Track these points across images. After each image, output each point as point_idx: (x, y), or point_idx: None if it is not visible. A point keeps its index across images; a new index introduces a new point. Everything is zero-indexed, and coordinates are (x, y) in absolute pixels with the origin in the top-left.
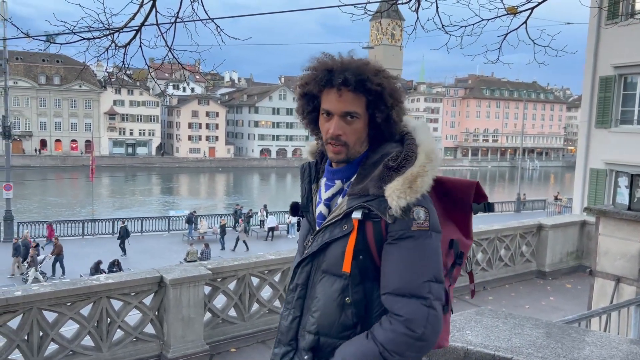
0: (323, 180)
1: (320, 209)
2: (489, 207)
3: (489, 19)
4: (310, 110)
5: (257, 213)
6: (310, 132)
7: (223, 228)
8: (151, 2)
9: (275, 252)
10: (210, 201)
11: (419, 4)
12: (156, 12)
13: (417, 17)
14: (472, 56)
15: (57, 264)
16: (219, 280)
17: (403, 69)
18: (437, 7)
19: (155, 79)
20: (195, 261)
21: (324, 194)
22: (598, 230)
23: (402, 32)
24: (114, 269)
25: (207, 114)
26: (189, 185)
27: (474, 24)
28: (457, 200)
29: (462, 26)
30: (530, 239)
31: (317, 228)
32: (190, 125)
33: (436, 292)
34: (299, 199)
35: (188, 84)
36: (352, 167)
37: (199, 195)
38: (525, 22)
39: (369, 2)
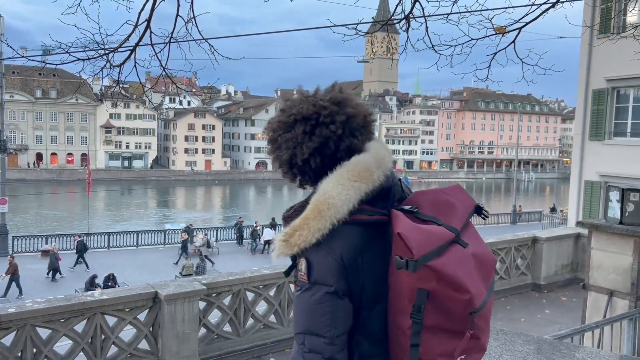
0: None
1: None
2: (409, 265)
3: (478, 39)
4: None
5: (254, 226)
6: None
7: (184, 243)
8: (146, 23)
9: (270, 266)
10: (207, 214)
11: (408, 24)
12: (150, 32)
13: (408, 37)
14: (461, 75)
15: (13, 284)
16: (213, 295)
17: (399, 81)
18: (426, 27)
19: (150, 97)
20: (191, 275)
21: None
22: (591, 244)
23: (397, 46)
24: (109, 283)
25: (204, 127)
26: (185, 199)
27: (463, 44)
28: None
29: (451, 45)
30: (525, 252)
31: None
32: (186, 138)
33: (310, 345)
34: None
35: (184, 97)
36: None
37: (195, 208)
38: (513, 41)
39: (360, 23)
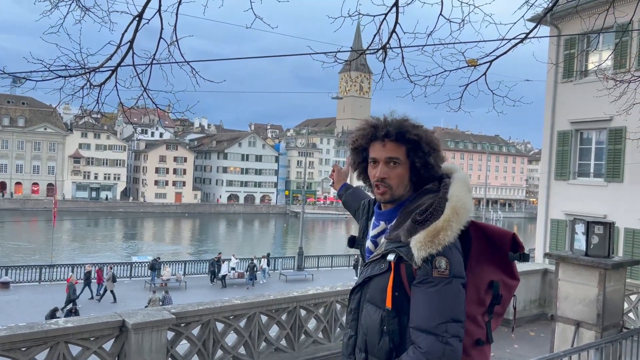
0: (372, 220)
1: (368, 244)
2: (524, 257)
3: (451, 70)
4: (360, 161)
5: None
6: (363, 181)
7: (113, 277)
8: (129, 44)
9: (242, 297)
10: (175, 247)
11: (385, 54)
12: (133, 53)
13: (384, 67)
14: (435, 104)
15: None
16: (182, 325)
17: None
18: (402, 58)
19: (129, 119)
20: None
21: (371, 232)
22: (558, 275)
23: (370, 85)
24: (71, 315)
25: (175, 159)
26: (153, 231)
27: (437, 74)
28: (496, 246)
29: (425, 76)
30: None
31: (366, 261)
32: (157, 170)
33: (452, 331)
34: (267, 246)
35: (157, 128)
36: (394, 212)
37: (163, 241)
38: (484, 73)
39: (339, 52)
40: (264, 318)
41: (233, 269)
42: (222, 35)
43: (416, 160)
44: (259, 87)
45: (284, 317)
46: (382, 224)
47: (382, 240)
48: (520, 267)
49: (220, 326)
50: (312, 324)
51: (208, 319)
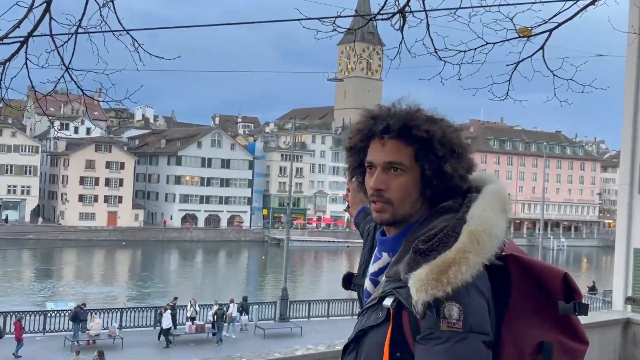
0: (375, 250)
1: (367, 284)
2: (580, 308)
3: (495, 43)
4: (357, 165)
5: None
6: (364, 194)
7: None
8: (44, 5)
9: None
10: (108, 289)
11: (404, 21)
12: (50, 18)
13: (402, 38)
14: (473, 90)
15: None
16: None
17: None
18: (427, 26)
19: (43, 109)
20: None
21: (371, 267)
22: None
23: (381, 61)
24: None
25: (108, 164)
26: (77, 266)
27: (475, 49)
28: (545, 290)
29: (460, 51)
30: None
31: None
32: (82, 181)
33: None
34: (238, 287)
35: (83, 122)
36: (399, 239)
37: (91, 280)
38: (542, 47)
39: (339, 17)
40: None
41: (192, 319)
42: None
43: (426, 167)
44: (227, 64)
45: None
46: (385, 256)
47: (383, 278)
48: (591, 317)
49: None
50: None
51: None
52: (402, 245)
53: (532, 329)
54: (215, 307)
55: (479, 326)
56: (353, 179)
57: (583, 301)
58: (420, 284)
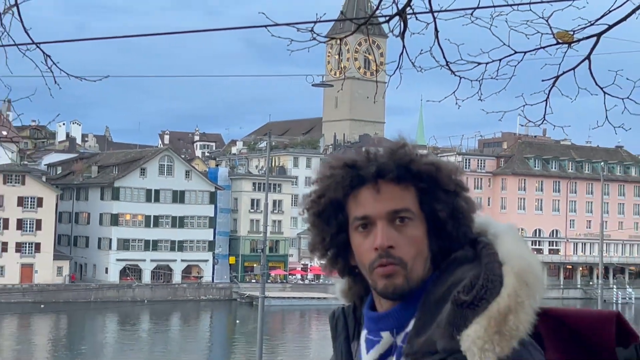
0: (364, 334)
1: None
2: None
3: (525, 52)
4: (335, 232)
5: None
6: (338, 272)
7: None
8: None
9: None
10: None
11: (405, 26)
12: None
13: (404, 47)
14: (499, 114)
15: None
16: None
17: (386, 120)
18: (436, 31)
19: None
20: None
21: (366, 357)
22: None
23: (384, 57)
24: None
25: (21, 201)
26: None
27: (500, 60)
28: (588, 345)
29: (480, 63)
30: None
31: None
32: None
33: None
34: None
35: None
36: (407, 308)
37: None
38: (587, 57)
39: (320, 21)
40: None
41: None
42: None
43: (438, 209)
44: (180, 67)
45: None
46: (387, 336)
47: None
48: None
49: None
50: None
51: None
52: (417, 312)
53: None
54: None
55: None
56: (338, 266)
57: None
58: (481, 342)
